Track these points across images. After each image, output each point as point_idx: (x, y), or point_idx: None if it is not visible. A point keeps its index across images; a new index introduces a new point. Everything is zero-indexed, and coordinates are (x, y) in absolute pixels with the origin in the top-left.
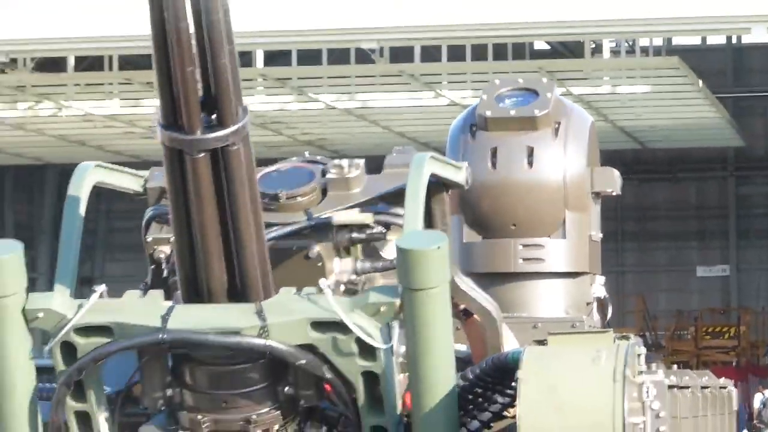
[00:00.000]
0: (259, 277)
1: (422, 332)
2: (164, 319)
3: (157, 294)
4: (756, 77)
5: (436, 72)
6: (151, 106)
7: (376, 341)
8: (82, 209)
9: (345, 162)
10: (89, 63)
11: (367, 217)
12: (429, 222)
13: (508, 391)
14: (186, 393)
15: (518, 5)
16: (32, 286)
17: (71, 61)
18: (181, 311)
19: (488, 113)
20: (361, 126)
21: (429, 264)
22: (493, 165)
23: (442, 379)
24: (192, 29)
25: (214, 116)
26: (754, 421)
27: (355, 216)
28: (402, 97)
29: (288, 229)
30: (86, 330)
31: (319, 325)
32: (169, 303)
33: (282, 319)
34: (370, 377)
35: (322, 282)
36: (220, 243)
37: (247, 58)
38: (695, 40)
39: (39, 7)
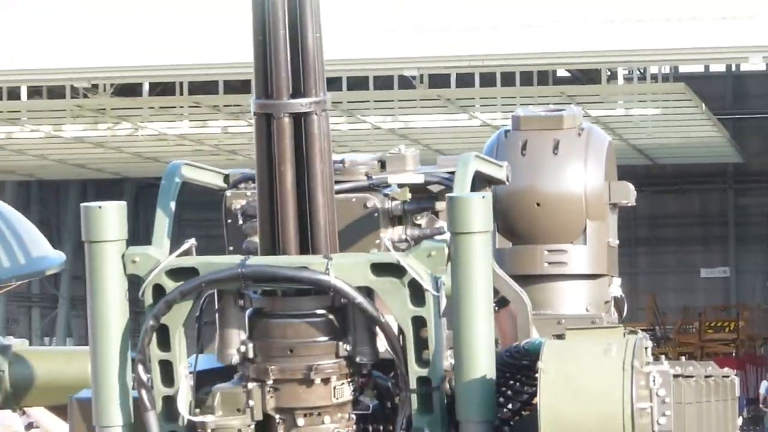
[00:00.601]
0: (327, 232)
1: (465, 272)
2: (243, 259)
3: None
4: (753, 101)
5: (470, 96)
6: (217, 126)
7: (426, 284)
8: (173, 196)
9: (399, 148)
10: (162, 88)
11: (420, 178)
12: None
13: (530, 381)
14: (256, 345)
15: (542, 38)
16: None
17: (146, 87)
18: (258, 258)
19: (521, 113)
20: (405, 143)
21: (474, 210)
22: (523, 154)
23: (482, 320)
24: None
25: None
26: (760, 405)
27: (410, 177)
28: (439, 119)
29: (349, 185)
30: (176, 272)
31: (377, 267)
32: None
33: (345, 260)
34: (419, 322)
35: (381, 234)
36: (296, 198)
37: None
38: (699, 68)
39: (118, 38)
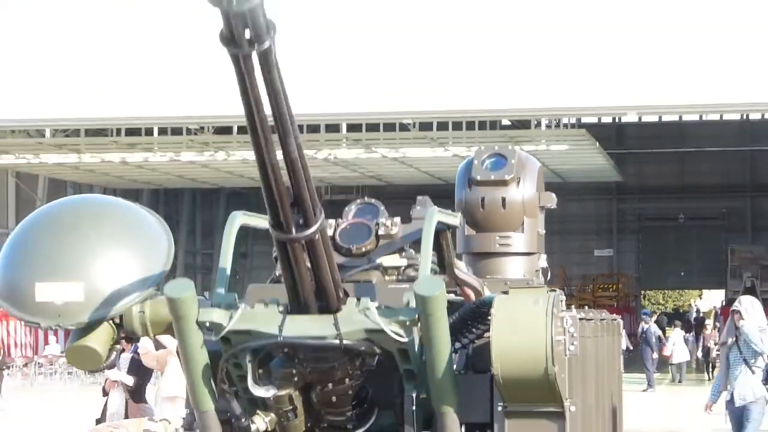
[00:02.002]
0: (335, 297)
1: (431, 332)
2: (280, 328)
3: (274, 306)
4: (629, 141)
5: (445, 137)
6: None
7: (404, 338)
8: (232, 241)
9: (389, 221)
10: (246, 129)
11: (402, 261)
12: (440, 249)
13: (485, 321)
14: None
15: (494, 99)
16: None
17: (235, 129)
18: (289, 322)
19: (478, 177)
20: (403, 167)
21: (435, 303)
22: (482, 207)
23: (443, 359)
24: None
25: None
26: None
27: (395, 261)
28: (425, 151)
29: (357, 269)
30: (235, 332)
31: (371, 331)
32: (281, 315)
33: (349, 329)
34: (402, 351)
35: (370, 304)
36: (312, 282)
37: (335, 127)
38: (594, 120)
39: (217, 92)
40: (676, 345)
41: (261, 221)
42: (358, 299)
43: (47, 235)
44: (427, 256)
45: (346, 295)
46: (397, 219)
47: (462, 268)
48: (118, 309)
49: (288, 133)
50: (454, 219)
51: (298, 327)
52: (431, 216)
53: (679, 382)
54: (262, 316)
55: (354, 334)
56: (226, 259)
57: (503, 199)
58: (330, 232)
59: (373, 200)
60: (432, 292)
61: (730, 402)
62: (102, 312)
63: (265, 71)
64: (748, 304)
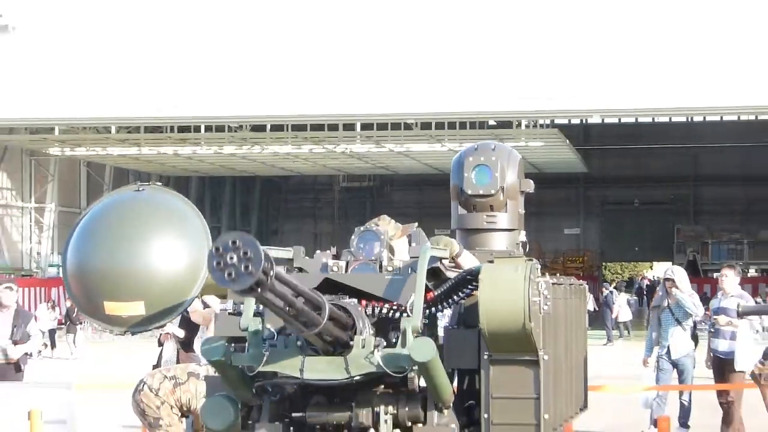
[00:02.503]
0: (342, 340)
1: (431, 380)
2: (301, 370)
3: (293, 344)
4: (594, 139)
5: (442, 134)
6: (306, 149)
7: (406, 372)
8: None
9: (389, 263)
10: (277, 126)
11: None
12: (436, 274)
13: (474, 284)
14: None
15: (482, 103)
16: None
17: (268, 127)
18: (307, 364)
19: (469, 191)
20: (407, 159)
21: (430, 365)
22: (474, 209)
23: (445, 393)
24: None
25: None
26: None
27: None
28: (425, 146)
29: (372, 307)
30: (263, 372)
31: (377, 368)
32: (300, 357)
33: (357, 372)
34: (405, 377)
35: (374, 348)
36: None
37: (351, 126)
38: (565, 121)
39: (256, 93)
40: (622, 307)
41: (282, 253)
42: (363, 339)
43: (109, 253)
44: (420, 290)
45: (346, 312)
46: (400, 257)
47: (467, 259)
48: (175, 315)
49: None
50: (444, 252)
51: (314, 369)
52: (425, 251)
53: (627, 335)
54: (286, 356)
55: (361, 370)
56: (248, 313)
57: (491, 207)
58: (339, 270)
59: (374, 227)
60: (426, 358)
61: (667, 355)
62: (162, 320)
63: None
64: (680, 274)
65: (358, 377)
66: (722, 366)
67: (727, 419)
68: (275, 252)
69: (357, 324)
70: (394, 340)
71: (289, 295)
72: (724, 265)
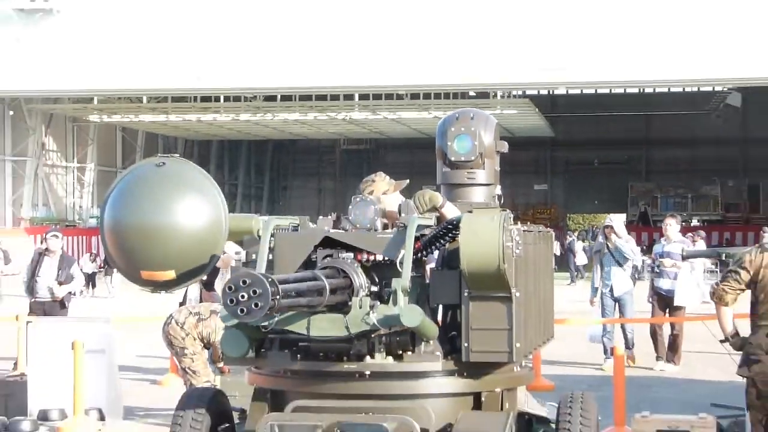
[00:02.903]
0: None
1: (419, 330)
2: (307, 328)
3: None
4: (560, 108)
5: (428, 104)
6: (312, 115)
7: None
8: (266, 249)
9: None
10: (287, 96)
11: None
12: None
13: (455, 232)
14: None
15: (463, 75)
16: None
17: (279, 97)
18: (312, 322)
19: (452, 158)
20: (399, 125)
21: (420, 326)
22: (456, 169)
23: (431, 330)
24: None
25: None
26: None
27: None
28: (413, 113)
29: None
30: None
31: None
32: (307, 316)
33: (356, 330)
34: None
35: (370, 309)
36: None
37: (350, 96)
38: (535, 92)
39: (267, 66)
40: (578, 252)
41: (289, 221)
42: (360, 300)
43: (141, 213)
44: (408, 256)
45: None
46: (391, 207)
47: (450, 210)
48: (199, 277)
49: None
50: (429, 221)
51: (318, 327)
52: (412, 222)
53: (581, 278)
54: (295, 316)
55: (360, 328)
56: (261, 266)
57: (470, 173)
58: (330, 227)
59: (369, 197)
60: (415, 324)
61: (610, 293)
62: (192, 279)
63: None
64: (618, 221)
65: (356, 333)
66: (666, 302)
67: (673, 347)
68: (286, 221)
69: (354, 283)
70: (386, 297)
71: (294, 296)
72: (668, 215)
